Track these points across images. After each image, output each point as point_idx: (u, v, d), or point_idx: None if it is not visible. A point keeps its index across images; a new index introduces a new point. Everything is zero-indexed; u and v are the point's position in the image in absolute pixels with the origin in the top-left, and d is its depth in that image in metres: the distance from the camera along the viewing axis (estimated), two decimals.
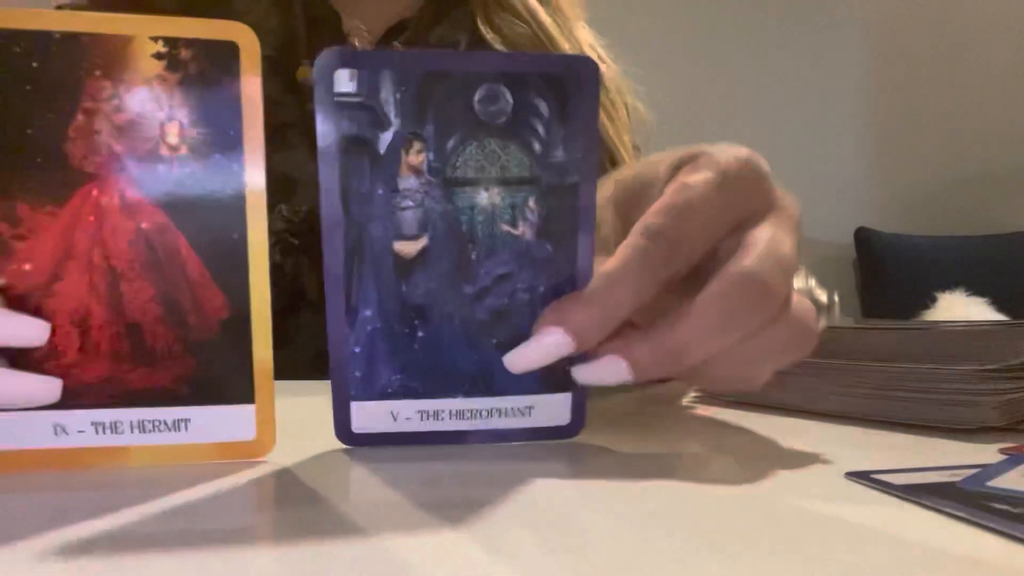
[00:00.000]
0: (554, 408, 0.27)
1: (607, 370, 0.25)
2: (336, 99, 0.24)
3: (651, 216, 0.26)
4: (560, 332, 0.25)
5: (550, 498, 0.21)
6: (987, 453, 0.27)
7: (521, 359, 0.26)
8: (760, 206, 0.27)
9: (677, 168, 0.28)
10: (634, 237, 0.26)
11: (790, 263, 0.26)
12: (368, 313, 0.26)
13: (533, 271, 0.26)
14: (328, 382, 0.26)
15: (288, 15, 0.55)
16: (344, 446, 0.26)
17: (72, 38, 0.22)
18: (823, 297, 0.30)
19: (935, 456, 0.27)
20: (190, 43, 0.23)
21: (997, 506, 0.20)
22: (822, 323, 0.29)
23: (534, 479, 0.23)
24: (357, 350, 0.26)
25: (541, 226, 0.26)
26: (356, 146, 0.25)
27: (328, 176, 0.25)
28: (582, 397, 0.28)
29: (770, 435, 0.31)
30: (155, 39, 0.22)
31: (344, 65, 0.24)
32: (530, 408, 0.27)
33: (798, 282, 0.28)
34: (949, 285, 1.38)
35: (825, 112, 2.12)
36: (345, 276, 0.25)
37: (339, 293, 0.25)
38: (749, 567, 0.16)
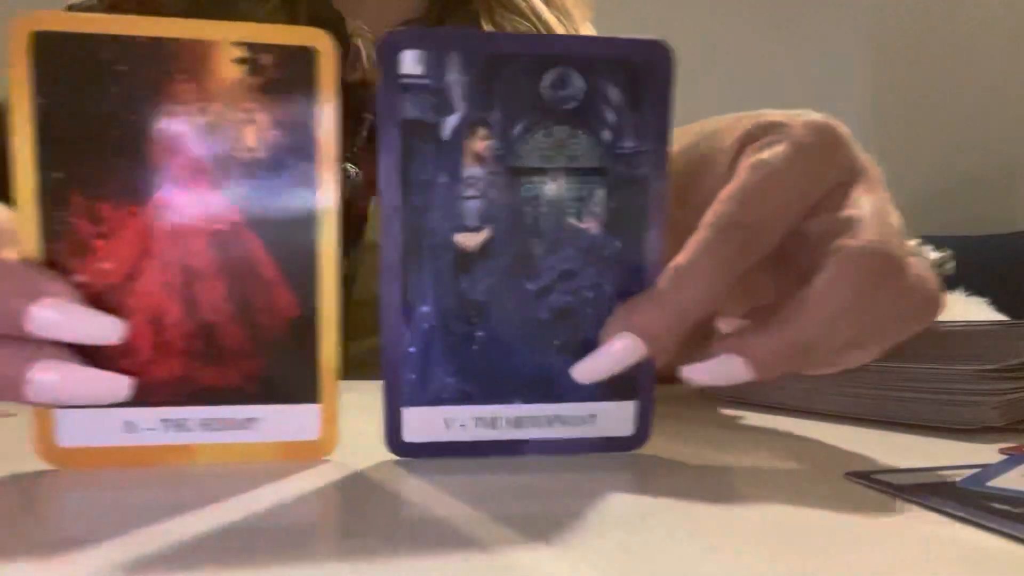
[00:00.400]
0: (618, 417, 0.26)
1: (722, 370, 0.23)
2: (400, 81, 0.23)
3: (723, 203, 0.24)
4: (630, 337, 0.23)
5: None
6: (987, 453, 0.27)
7: (590, 369, 0.24)
8: (844, 175, 0.25)
9: (745, 143, 0.26)
10: (706, 228, 0.24)
11: (901, 227, 0.24)
12: (425, 309, 0.24)
13: (599, 268, 0.25)
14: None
15: (292, 17, 0.55)
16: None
17: (157, 43, 0.23)
18: (934, 254, 0.28)
19: (935, 456, 0.27)
20: (270, 49, 0.23)
21: (997, 506, 0.20)
22: (938, 282, 0.27)
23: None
24: (412, 350, 0.24)
25: (609, 220, 0.25)
26: (419, 130, 0.24)
27: (388, 161, 0.24)
28: (648, 406, 0.26)
29: (770, 435, 0.31)
30: (237, 44, 0.23)
31: (410, 46, 0.23)
32: (592, 416, 0.26)
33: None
34: (949, 285, 1.38)
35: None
36: (402, 269, 0.24)
37: (395, 287, 0.24)
38: (749, 567, 0.16)
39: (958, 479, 0.23)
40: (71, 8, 0.59)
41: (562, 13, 0.60)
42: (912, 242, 0.27)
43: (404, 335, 0.24)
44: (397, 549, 0.17)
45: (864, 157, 0.26)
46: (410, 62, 0.23)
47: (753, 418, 0.35)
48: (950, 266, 0.29)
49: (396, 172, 0.24)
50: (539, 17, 0.58)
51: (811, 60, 2.16)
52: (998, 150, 2.13)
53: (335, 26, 0.56)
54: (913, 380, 0.32)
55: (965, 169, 2.13)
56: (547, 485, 0.23)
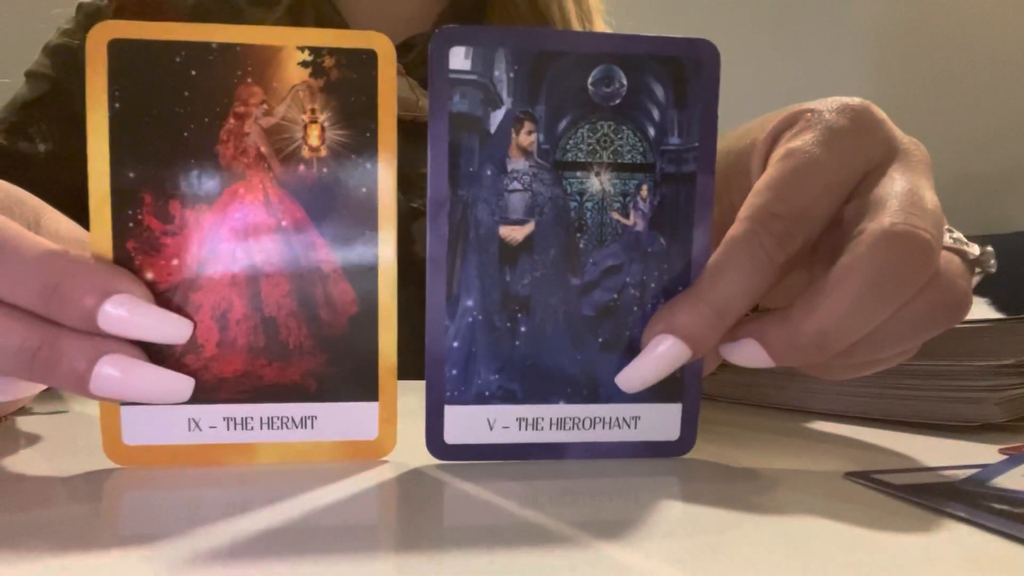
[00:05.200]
0: (663, 420, 0.26)
1: (743, 353, 0.24)
2: (450, 76, 0.24)
3: (757, 194, 0.23)
4: (671, 339, 0.23)
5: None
6: (987, 453, 0.27)
7: (635, 376, 0.24)
8: (882, 156, 0.24)
9: (778, 134, 0.26)
10: (741, 221, 0.23)
11: (936, 211, 0.23)
12: (469, 303, 0.24)
13: (644, 265, 0.25)
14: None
15: (298, 25, 0.56)
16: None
17: (228, 48, 0.23)
18: (973, 249, 0.26)
19: (935, 456, 0.27)
20: (333, 52, 0.24)
21: (997, 506, 0.20)
22: (974, 280, 0.26)
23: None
24: (456, 344, 0.25)
25: (654, 217, 0.25)
26: (467, 124, 0.24)
27: (436, 153, 0.24)
28: (694, 409, 0.26)
29: (770, 435, 0.31)
30: (302, 49, 0.24)
31: (459, 42, 0.24)
32: (636, 419, 0.26)
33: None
34: None
35: None
36: (448, 260, 0.24)
37: (441, 278, 0.24)
38: (749, 567, 0.16)
39: (958, 479, 0.23)
40: (80, 8, 0.59)
41: (586, 15, 0.61)
42: (954, 235, 0.25)
43: (448, 330, 0.25)
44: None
45: (904, 138, 0.25)
46: (459, 58, 0.24)
47: (755, 418, 0.35)
48: (993, 263, 0.26)
49: (444, 163, 0.24)
50: (567, 24, 0.59)
51: (811, 61, 2.16)
52: (998, 150, 2.13)
53: None
54: (915, 377, 0.32)
55: (965, 169, 2.13)
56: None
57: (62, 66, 0.56)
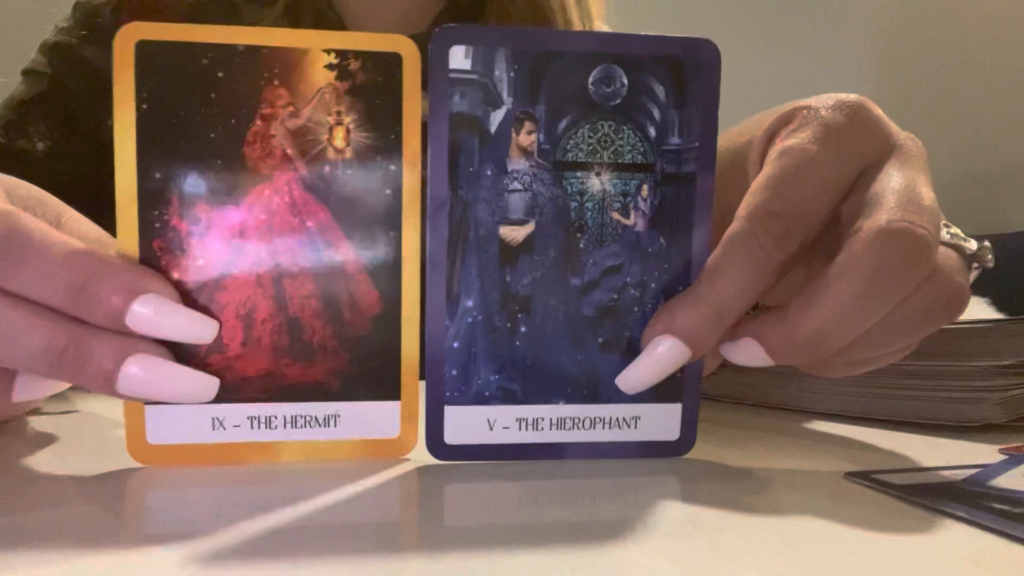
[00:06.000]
0: (663, 420, 0.26)
1: (743, 352, 0.24)
2: (450, 75, 0.24)
3: (755, 193, 0.23)
4: (671, 340, 0.23)
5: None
6: (987, 453, 0.27)
7: (636, 377, 0.24)
8: (879, 152, 0.24)
9: (774, 132, 0.26)
10: (739, 220, 0.23)
11: (933, 207, 0.23)
12: (469, 303, 0.25)
13: (644, 265, 0.25)
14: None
15: (295, 24, 0.55)
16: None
17: (255, 50, 0.24)
18: (970, 244, 0.25)
19: (935, 456, 0.27)
20: (359, 55, 0.24)
21: (997, 506, 0.20)
22: (972, 275, 0.26)
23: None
24: (456, 345, 0.25)
25: (654, 217, 0.25)
26: (467, 123, 0.24)
27: (436, 153, 0.24)
28: (694, 409, 0.26)
29: (770, 435, 0.31)
30: (328, 51, 0.24)
31: (459, 42, 0.24)
32: (636, 419, 0.26)
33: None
34: None
35: None
36: (448, 261, 0.24)
37: (441, 279, 0.24)
38: (749, 567, 0.16)
39: (958, 479, 0.23)
40: (77, 6, 0.59)
41: (585, 14, 0.61)
42: (951, 230, 0.25)
43: (448, 330, 0.25)
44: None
45: (901, 134, 0.25)
46: (459, 57, 0.24)
47: (755, 418, 0.34)
48: (990, 258, 0.26)
49: (444, 164, 0.24)
50: (568, 24, 0.59)
51: (811, 61, 2.16)
52: (998, 150, 2.13)
53: None
54: (915, 377, 0.32)
55: (965, 169, 2.13)
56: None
57: (60, 64, 0.56)
